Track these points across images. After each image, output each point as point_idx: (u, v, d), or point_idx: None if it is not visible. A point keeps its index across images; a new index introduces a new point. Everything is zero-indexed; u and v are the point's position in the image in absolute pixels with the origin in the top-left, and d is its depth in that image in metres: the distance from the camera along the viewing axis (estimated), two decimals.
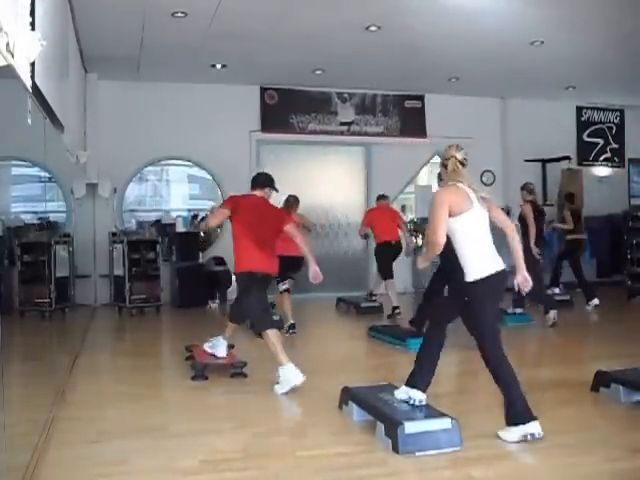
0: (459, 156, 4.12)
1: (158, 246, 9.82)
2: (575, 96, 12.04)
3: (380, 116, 11.67)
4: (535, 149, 11.90)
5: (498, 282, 3.91)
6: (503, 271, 3.92)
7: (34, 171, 10.47)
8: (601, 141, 13.03)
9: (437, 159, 12.34)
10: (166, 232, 10.61)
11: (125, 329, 8.88)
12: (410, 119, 11.75)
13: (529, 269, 4.01)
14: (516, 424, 3.75)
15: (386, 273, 8.81)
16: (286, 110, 11.14)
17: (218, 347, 5.55)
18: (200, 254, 10.48)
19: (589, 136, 12.93)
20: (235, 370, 5.41)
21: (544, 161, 12.14)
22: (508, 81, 10.86)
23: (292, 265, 6.91)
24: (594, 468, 3.44)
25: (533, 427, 3.73)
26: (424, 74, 10.44)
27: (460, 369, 6.30)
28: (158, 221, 11.18)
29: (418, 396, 4.07)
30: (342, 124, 11.48)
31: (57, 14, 5.20)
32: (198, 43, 8.51)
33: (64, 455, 3.71)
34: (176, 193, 12.22)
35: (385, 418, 3.79)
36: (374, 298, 9.55)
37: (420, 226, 12.30)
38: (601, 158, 13.02)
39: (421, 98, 11.80)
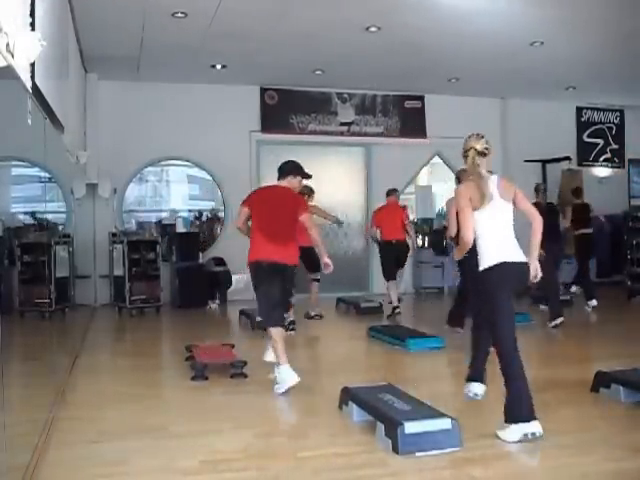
0: (478, 147, 4.05)
1: (158, 246, 9.82)
2: (575, 96, 12.04)
3: (380, 116, 11.67)
4: (535, 149, 11.89)
5: (509, 272, 3.87)
6: (518, 263, 3.89)
7: (34, 171, 10.47)
8: (601, 141, 13.03)
9: (437, 159, 12.39)
10: (167, 232, 10.63)
11: (125, 329, 8.89)
12: (410, 119, 11.75)
13: (543, 269, 4.01)
14: (517, 422, 3.74)
15: (386, 273, 8.81)
16: (286, 110, 11.15)
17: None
18: (200, 254, 10.48)
19: (589, 136, 12.94)
20: (235, 370, 5.40)
21: (544, 161, 12.13)
22: (508, 81, 10.87)
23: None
24: (594, 468, 3.44)
25: (534, 426, 3.73)
26: (424, 74, 10.45)
27: (460, 369, 6.29)
28: (160, 222, 11.19)
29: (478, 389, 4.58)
30: (342, 124, 11.49)
31: (57, 14, 5.20)
32: (198, 43, 8.52)
33: (64, 455, 3.71)
34: (176, 193, 12.22)
35: (385, 418, 3.78)
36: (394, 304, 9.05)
37: (420, 227, 12.32)
38: (601, 158, 13.03)
39: (421, 98, 11.81)
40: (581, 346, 7.02)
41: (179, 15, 7.43)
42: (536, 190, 8.31)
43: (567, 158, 12.19)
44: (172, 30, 7.94)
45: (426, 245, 12.17)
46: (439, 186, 13.74)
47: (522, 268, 3.92)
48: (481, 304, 4.14)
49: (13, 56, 2.79)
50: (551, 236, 7.82)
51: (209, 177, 11.33)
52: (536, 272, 3.93)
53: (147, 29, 7.88)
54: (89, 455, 3.71)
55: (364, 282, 11.64)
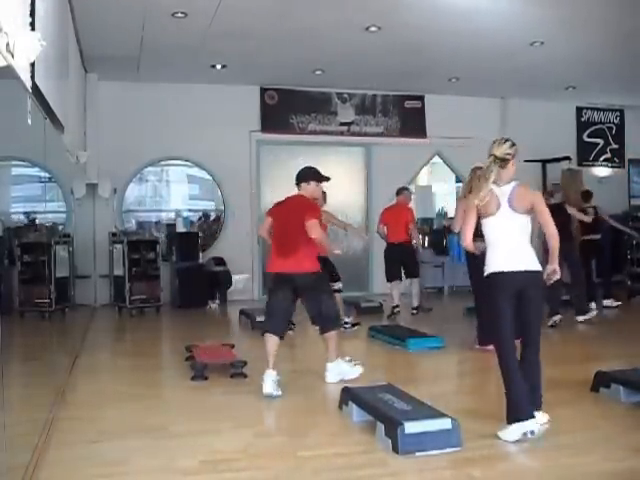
0: (498, 153, 4.00)
1: (158, 246, 9.82)
2: (575, 96, 12.04)
3: (380, 116, 11.67)
4: (535, 149, 11.86)
5: (506, 281, 3.92)
6: (517, 272, 3.91)
7: (34, 171, 10.47)
8: (601, 141, 13.03)
9: (437, 159, 12.39)
10: (168, 232, 10.65)
11: (125, 329, 8.89)
12: (410, 119, 11.75)
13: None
14: (515, 421, 3.75)
15: (387, 274, 8.81)
16: (286, 110, 11.15)
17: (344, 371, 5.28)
18: (200, 254, 10.48)
19: (589, 136, 12.94)
20: (235, 370, 5.40)
21: (544, 161, 12.13)
22: (508, 81, 10.87)
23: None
24: (594, 468, 3.43)
25: (531, 424, 3.73)
26: (424, 74, 10.45)
27: (460, 369, 6.31)
28: (158, 222, 11.20)
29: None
30: (342, 124, 11.49)
31: (57, 14, 5.20)
32: (198, 43, 8.51)
33: (64, 455, 3.70)
34: (176, 193, 12.22)
35: (385, 418, 3.78)
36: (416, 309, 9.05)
37: (420, 227, 12.31)
38: (601, 158, 13.03)
39: (421, 98, 11.81)
40: (581, 346, 7.02)
41: (179, 15, 7.43)
42: (550, 193, 8.35)
43: (567, 158, 12.19)
44: (172, 30, 7.94)
45: (426, 245, 12.17)
46: (439, 186, 13.76)
47: (522, 277, 3.92)
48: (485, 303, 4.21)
49: (13, 56, 2.79)
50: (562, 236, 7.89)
51: (209, 177, 11.34)
52: (554, 275, 3.92)
53: (147, 29, 7.88)
54: (89, 455, 3.71)
55: (364, 282, 11.64)
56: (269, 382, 4.85)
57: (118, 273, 9.61)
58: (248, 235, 10.97)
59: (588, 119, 12.94)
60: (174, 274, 10.17)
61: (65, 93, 5.95)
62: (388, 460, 3.54)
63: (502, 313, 3.93)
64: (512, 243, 3.98)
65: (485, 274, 4.03)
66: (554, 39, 8.52)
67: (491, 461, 3.54)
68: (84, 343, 7.34)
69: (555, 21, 7.82)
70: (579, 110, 12.83)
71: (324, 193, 7.20)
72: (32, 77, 3.47)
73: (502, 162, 4.00)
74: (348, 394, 4.36)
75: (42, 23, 3.87)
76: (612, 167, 13.08)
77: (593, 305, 8.95)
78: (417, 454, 3.54)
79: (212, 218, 11.82)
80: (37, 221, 10.47)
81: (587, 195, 9.79)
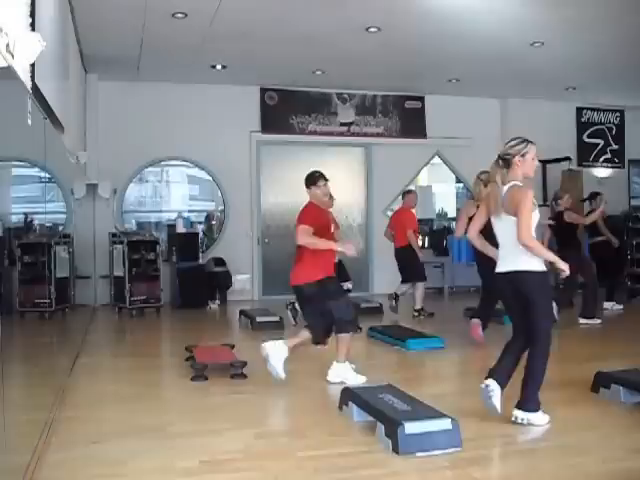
0: (500, 152, 4.10)
1: (158, 246, 9.83)
2: (575, 97, 12.03)
3: (380, 117, 11.67)
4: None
5: (500, 281, 4.18)
6: (506, 273, 4.09)
7: (34, 172, 10.49)
8: (601, 142, 13.02)
9: (437, 159, 12.39)
10: (168, 232, 10.66)
11: (125, 330, 8.88)
12: (410, 120, 11.75)
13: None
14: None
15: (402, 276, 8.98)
16: (286, 111, 11.15)
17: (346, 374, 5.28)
18: (200, 254, 10.49)
19: (589, 137, 12.93)
20: (235, 370, 5.40)
21: (544, 162, 12.11)
22: (508, 82, 10.87)
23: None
24: (594, 468, 3.44)
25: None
26: (424, 75, 10.45)
27: (460, 369, 6.31)
28: (158, 222, 11.20)
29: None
30: (342, 125, 11.49)
31: (57, 15, 5.21)
32: (198, 43, 8.52)
33: (64, 455, 3.70)
34: (176, 193, 12.23)
35: (385, 418, 3.78)
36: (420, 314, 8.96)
37: (420, 227, 12.31)
38: (601, 159, 13.02)
39: (421, 99, 11.80)
40: (581, 346, 7.02)
41: (179, 15, 7.43)
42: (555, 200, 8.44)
43: (567, 158, 12.19)
44: (172, 30, 7.94)
45: (426, 245, 12.17)
46: (439, 186, 13.76)
47: (510, 277, 4.07)
48: None
49: (13, 56, 2.79)
50: (567, 241, 7.94)
51: (209, 177, 11.34)
52: (563, 272, 4.07)
53: (147, 29, 7.88)
54: (89, 455, 3.70)
55: (364, 282, 11.63)
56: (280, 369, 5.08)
57: (118, 273, 9.60)
58: (248, 235, 10.99)
59: (588, 119, 12.93)
60: (174, 274, 10.17)
61: (65, 93, 5.95)
62: (388, 460, 3.54)
63: (507, 309, 4.36)
64: (505, 244, 4.11)
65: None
66: (554, 39, 8.53)
67: (491, 461, 3.54)
68: (84, 343, 7.34)
69: (555, 22, 7.82)
70: (579, 110, 12.83)
71: (331, 196, 7.12)
72: (32, 78, 3.48)
73: (504, 162, 4.03)
74: (348, 394, 4.36)
75: (42, 24, 3.87)
76: (612, 167, 13.07)
77: (609, 305, 9.06)
78: (417, 454, 3.54)
79: (214, 218, 11.81)
80: (37, 221, 10.49)
81: (594, 198, 9.81)
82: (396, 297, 8.86)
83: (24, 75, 3.24)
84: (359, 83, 11.05)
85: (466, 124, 11.52)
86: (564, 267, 4.02)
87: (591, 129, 12.93)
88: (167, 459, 3.62)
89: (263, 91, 11.08)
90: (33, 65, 3.40)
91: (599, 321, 8.02)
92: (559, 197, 8.47)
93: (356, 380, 5.14)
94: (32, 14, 3.39)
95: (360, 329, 7.85)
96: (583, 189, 12.22)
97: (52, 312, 8.93)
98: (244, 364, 5.44)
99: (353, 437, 3.95)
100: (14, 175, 11.08)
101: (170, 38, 8.29)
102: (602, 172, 12.95)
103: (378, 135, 11.66)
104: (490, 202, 4.13)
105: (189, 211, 11.94)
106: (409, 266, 8.80)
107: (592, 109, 12.88)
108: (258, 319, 7.97)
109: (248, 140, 11.03)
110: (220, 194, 11.24)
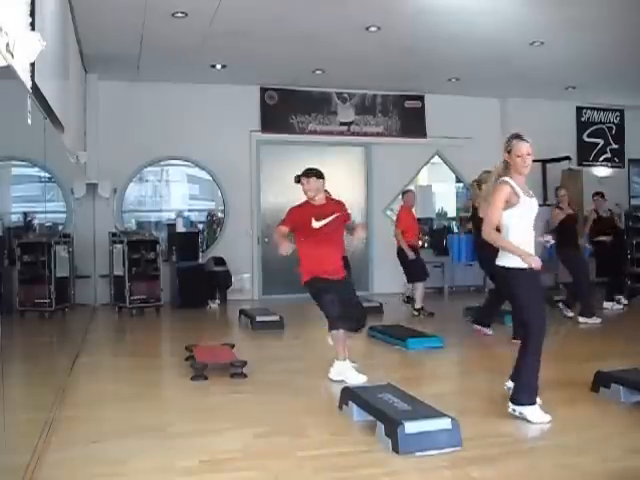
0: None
1: (158, 246, 9.83)
2: (575, 96, 12.04)
3: (380, 116, 11.67)
4: (535, 149, 11.80)
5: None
6: (496, 266, 4.28)
7: (34, 171, 10.49)
8: (601, 141, 13.02)
9: (437, 159, 12.39)
10: (168, 232, 10.65)
11: (125, 329, 8.88)
12: (410, 119, 11.75)
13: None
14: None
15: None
16: (286, 110, 11.15)
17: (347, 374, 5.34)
18: (200, 254, 10.49)
19: (589, 136, 12.93)
20: (235, 370, 5.40)
21: (544, 161, 12.12)
22: (508, 81, 10.86)
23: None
24: (594, 468, 3.43)
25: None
26: (424, 74, 10.45)
27: (460, 368, 6.31)
28: (158, 222, 11.19)
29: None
30: (342, 124, 11.49)
31: (57, 14, 5.21)
32: (198, 43, 8.52)
33: (64, 455, 3.70)
34: (176, 193, 12.23)
35: (385, 418, 3.78)
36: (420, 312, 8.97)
37: (420, 227, 12.30)
38: (601, 158, 13.02)
39: (421, 98, 11.80)
40: (581, 346, 7.02)
41: (179, 15, 7.43)
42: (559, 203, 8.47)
43: (567, 158, 12.19)
44: (172, 30, 7.94)
45: (426, 245, 12.16)
46: (439, 186, 13.74)
47: (497, 272, 4.32)
48: None
49: (13, 56, 2.79)
50: (563, 240, 7.98)
51: (209, 177, 11.34)
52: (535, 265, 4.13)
53: (147, 29, 7.88)
54: (89, 455, 3.70)
55: (364, 282, 11.63)
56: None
57: (118, 273, 9.61)
58: (248, 234, 10.99)
59: (588, 119, 12.93)
60: (174, 274, 10.17)
61: (65, 93, 5.95)
62: (388, 460, 3.54)
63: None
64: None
65: None
66: (554, 39, 8.53)
67: (491, 461, 3.54)
68: (84, 343, 7.34)
69: (555, 21, 7.83)
70: (579, 110, 12.83)
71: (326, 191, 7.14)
72: (32, 77, 3.47)
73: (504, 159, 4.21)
74: (348, 394, 4.36)
75: (42, 23, 3.87)
76: (612, 167, 13.08)
77: (609, 304, 9.11)
78: (417, 454, 3.54)
79: (216, 217, 11.80)
80: (37, 221, 10.49)
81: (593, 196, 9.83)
82: (408, 299, 9.03)
83: (24, 75, 3.24)
84: (359, 82, 11.05)
85: (466, 124, 11.52)
86: (533, 263, 4.02)
87: (591, 128, 12.94)
88: (167, 459, 3.62)
89: (263, 90, 11.08)
90: (33, 65, 3.39)
91: (599, 320, 8.03)
92: (561, 201, 8.48)
93: (356, 379, 5.15)
94: (32, 13, 3.39)
95: (363, 326, 7.89)
96: (583, 188, 12.23)
97: (52, 312, 8.93)
98: (244, 363, 5.44)
99: (353, 436, 3.95)
100: (14, 174, 11.08)
101: (170, 38, 8.29)
102: (602, 171, 12.95)
103: (378, 135, 11.66)
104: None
105: (189, 210, 11.94)
106: (406, 267, 8.85)
107: (592, 108, 12.89)
108: (258, 318, 7.97)
109: (248, 140, 11.04)
110: (220, 193, 11.24)
